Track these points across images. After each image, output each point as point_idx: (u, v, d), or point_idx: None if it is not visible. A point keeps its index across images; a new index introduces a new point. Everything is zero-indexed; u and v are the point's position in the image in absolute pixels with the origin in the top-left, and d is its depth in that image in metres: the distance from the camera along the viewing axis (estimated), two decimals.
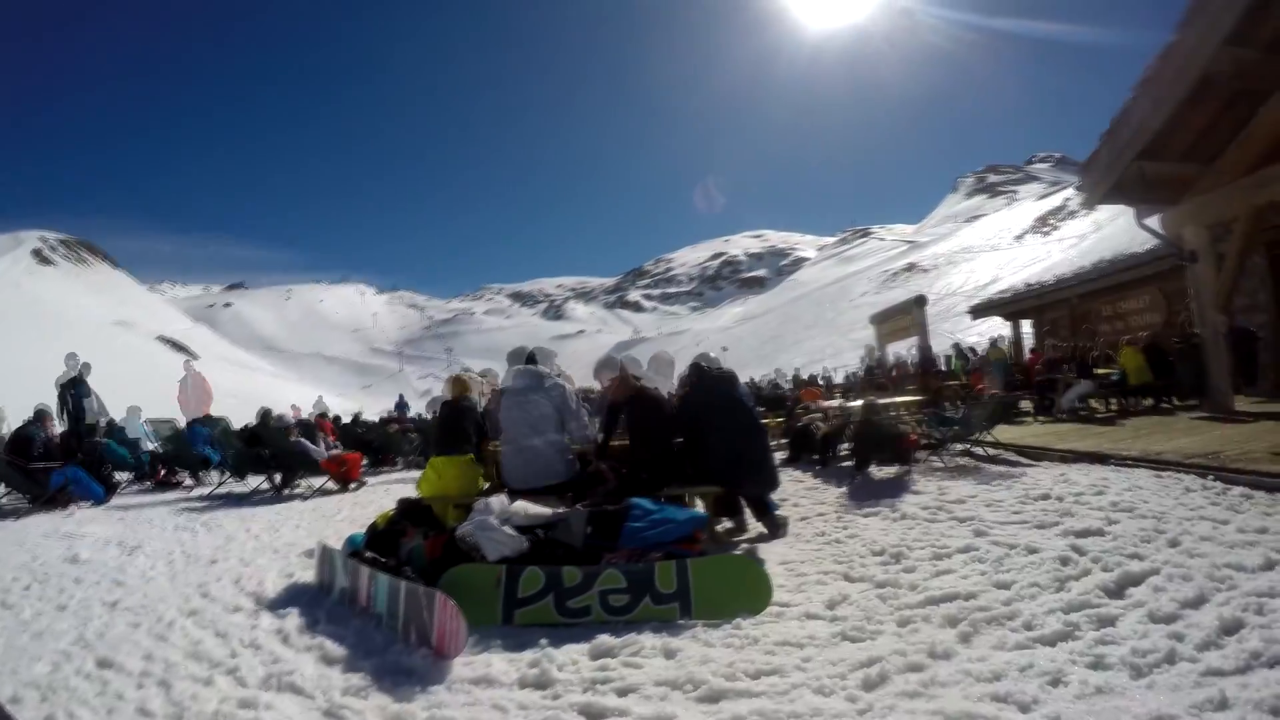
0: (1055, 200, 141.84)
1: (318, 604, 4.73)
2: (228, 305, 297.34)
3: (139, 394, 19.28)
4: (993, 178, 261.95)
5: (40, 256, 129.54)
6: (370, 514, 7.28)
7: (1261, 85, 10.01)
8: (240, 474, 12.17)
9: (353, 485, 11.75)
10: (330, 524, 8.29)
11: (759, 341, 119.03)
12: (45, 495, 10.45)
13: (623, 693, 3.21)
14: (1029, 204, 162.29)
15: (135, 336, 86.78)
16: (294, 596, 4.99)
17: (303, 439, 12.18)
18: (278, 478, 11.53)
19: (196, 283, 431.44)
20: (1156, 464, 7.35)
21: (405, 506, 5.83)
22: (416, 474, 9.95)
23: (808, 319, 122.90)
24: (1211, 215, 11.38)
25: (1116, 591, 4.01)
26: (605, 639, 3.73)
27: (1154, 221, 12.59)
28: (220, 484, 12.28)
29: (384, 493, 10.92)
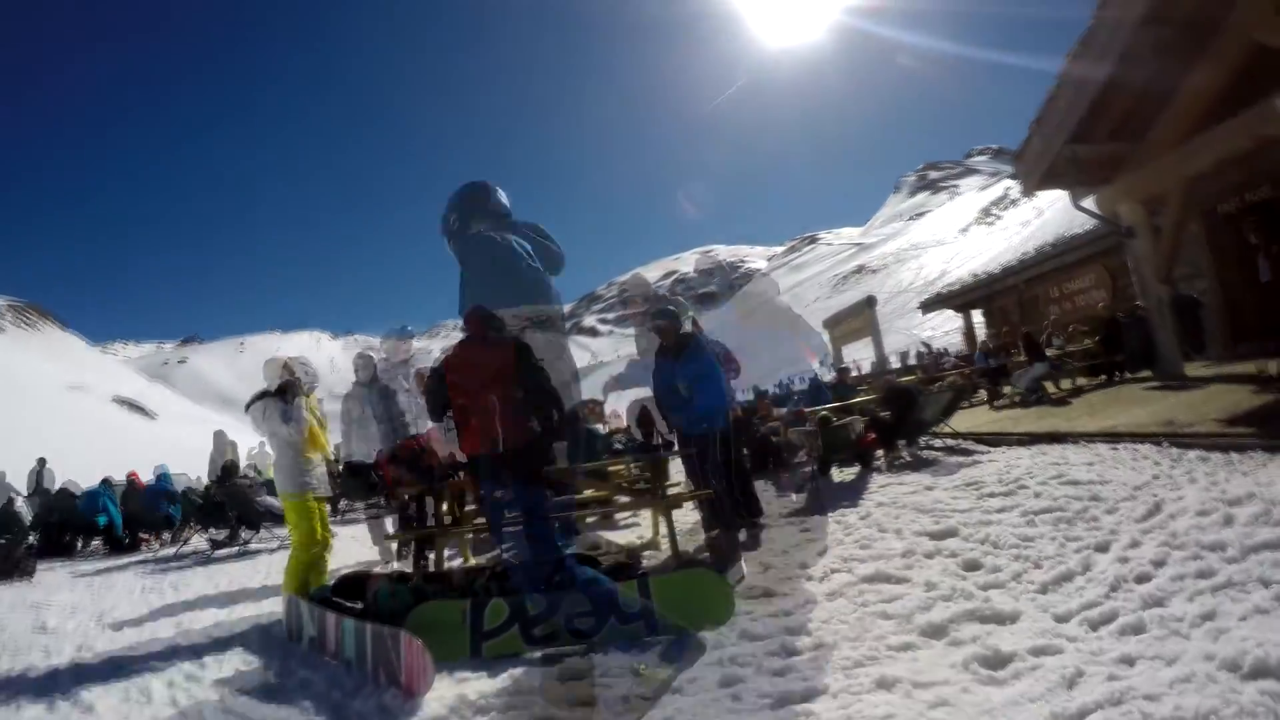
0: (996, 191, 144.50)
1: (288, 653, 4.69)
2: (182, 362, 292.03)
3: (98, 458, 18.80)
4: (933, 174, 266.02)
5: None
6: (337, 563, 7.18)
7: (1181, 60, 10.24)
8: (206, 525, 11.85)
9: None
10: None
11: None
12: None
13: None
14: (971, 196, 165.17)
15: (91, 400, 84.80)
16: (264, 647, 4.93)
17: (269, 498, 11.68)
18: (245, 533, 11.29)
19: (149, 340, 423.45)
20: (1113, 437, 7.43)
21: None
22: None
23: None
24: (1145, 190, 11.59)
25: (1080, 564, 4.05)
26: (573, 662, 3.70)
27: (1090, 202, 12.79)
28: (185, 541, 12.05)
29: (350, 540, 10.75)
